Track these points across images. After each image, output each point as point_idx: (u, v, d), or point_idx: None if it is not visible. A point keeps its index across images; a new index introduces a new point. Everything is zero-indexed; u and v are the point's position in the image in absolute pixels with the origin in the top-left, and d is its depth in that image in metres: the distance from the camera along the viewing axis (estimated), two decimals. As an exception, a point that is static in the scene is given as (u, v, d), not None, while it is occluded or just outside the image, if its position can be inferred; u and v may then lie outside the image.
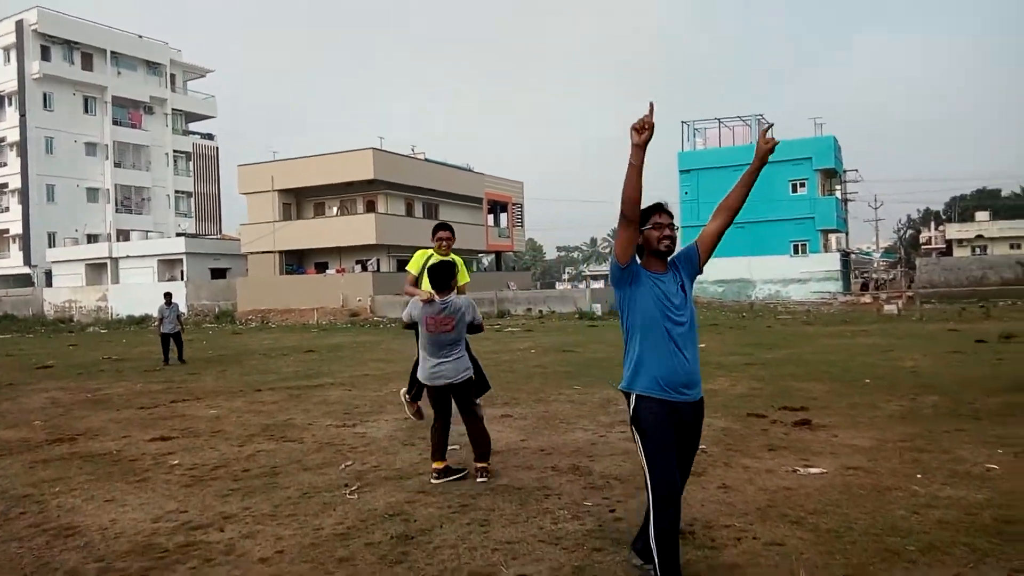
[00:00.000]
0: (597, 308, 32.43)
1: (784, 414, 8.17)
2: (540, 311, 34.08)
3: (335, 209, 42.79)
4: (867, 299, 41.43)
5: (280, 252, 41.64)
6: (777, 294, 44.19)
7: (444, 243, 6.94)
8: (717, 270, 45.90)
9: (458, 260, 6.24)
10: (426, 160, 44.49)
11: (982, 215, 66.25)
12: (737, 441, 6.87)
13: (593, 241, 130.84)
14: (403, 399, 7.64)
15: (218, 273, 48.38)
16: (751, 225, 45.20)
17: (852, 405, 8.63)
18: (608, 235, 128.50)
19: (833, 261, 44.75)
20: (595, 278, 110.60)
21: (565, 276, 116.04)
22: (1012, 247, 61.00)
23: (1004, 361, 12.15)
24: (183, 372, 14.98)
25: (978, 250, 62.09)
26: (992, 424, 7.26)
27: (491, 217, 49.46)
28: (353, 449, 7.11)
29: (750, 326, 24.40)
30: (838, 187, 48.83)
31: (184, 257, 46.76)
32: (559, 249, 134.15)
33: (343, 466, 6.40)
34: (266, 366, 15.78)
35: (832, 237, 47.42)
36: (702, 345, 17.63)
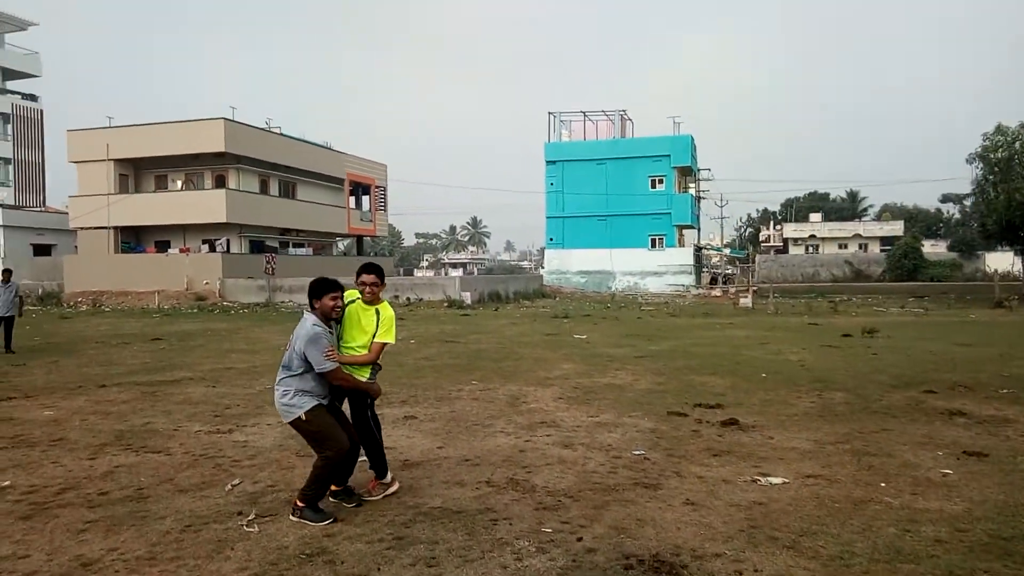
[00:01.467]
0: (467, 297, 31.72)
1: (704, 412, 7.82)
2: (408, 299, 32.92)
3: (179, 183, 39.26)
4: (717, 292, 43.57)
5: (115, 228, 37.66)
6: (635, 286, 45.49)
7: (368, 290, 4.90)
8: (581, 261, 46.65)
9: (385, 311, 4.86)
10: (283, 135, 41.84)
11: (815, 216, 71.85)
12: (674, 445, 6.37)
13: (452, 229, 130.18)
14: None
15: (42, 250, 43.24)
16: (612, 218, 46.27)
17: (765, 402, 8.43)
18: (467, 224, 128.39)
19: (687, 256, 46.66)
20: (454, 266, 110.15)
21: (424, 263, 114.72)
22: (840, 247, 66.62)
23: (879, 356, 12.62)
24: (4, 363, 12.75)
25: (811, 248, 67.27)
26: (911, 423, 7.21)
27: (352, 200, 47.45)
28: (236, 463, 5.95)
29: (621, 316, 24.62)
30: (692, 185, 50.98)
31: (1, 231, 41.36)
32: (418, 236, 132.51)
33: (230, 486, 5.26)
34: (107, 356, 13.78)
35: (686, 233, 49.45)
36: (583, 336, 17.46)
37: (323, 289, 4.67)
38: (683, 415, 7.67)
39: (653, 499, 4.87)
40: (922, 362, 11.76)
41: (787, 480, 5.26)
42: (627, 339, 16.38)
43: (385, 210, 51.10)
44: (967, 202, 63.71)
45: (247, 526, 4.42)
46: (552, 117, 48.54)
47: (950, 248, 63.33)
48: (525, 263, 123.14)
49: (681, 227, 48.37)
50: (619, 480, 5.30)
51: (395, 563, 3.85)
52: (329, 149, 45.08)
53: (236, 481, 5.36)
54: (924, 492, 4.95)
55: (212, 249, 37.39)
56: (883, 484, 5.15)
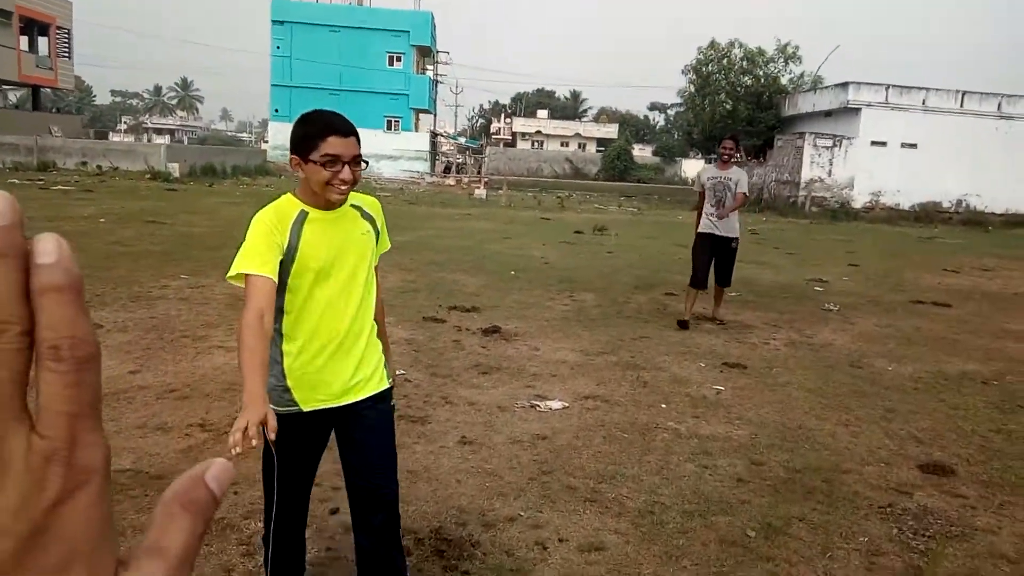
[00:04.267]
0: (174, 168, 27.75)
1: (461, 317, 7.06)
2: (99, 166, 28.01)
3: None
4: (451, 181, 43.45)
5: None
6: (369, 169, 43.61)
7: (340, 179, 2.10)
8: (309, 138, 43.43)
9: (375, 207, 2.41)
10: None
11: (542, 113, 74.35)
12: (437, 360, 5.50)
13: (158, 89, 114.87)
14: None
15: None
16: (346, 94, 43.40)
17: (521, 304, 7.91)
18: (175, 84, 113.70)
19: (423, 141, 45.62)
20: (159, 132, 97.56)
21: (122, 127, 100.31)
22: (562, 144, 69.98)
23: (614, 255, 12.88)
24: None
25: (537, 144, 69.86)
26: (664, 329, 7.11)
27: (25, 40, 38.76)
28: None
29: (355, 202, 23.15)
30: (430, 67, 49.39)
31: None
32: (114, 94, 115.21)
33: None
34: None
35: (423, 117, 48.19)
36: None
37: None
38: (440, 321, 6.84)
39: (423, 438, 3.96)
40: (654, 261, 12.17)
41: (567, 404, 4.65)
42: (364, 227, 15.16)
43: (70, 57, 42.72)
44: (671, 111, 69.92)
45: None
46: (281, -30, 43.33)
47: (655, 153, 69.72)
48: (244, 135, 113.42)
49: (418, 111, 46.93)
50: (377, 413, 4.30)
51: None
52: (-11, -30, 35.96)
53: None
54: (705, 415, 4.63)
55: None
56: (663, 405, 4.76)
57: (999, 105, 28.52)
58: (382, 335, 2.41)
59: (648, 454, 3.93)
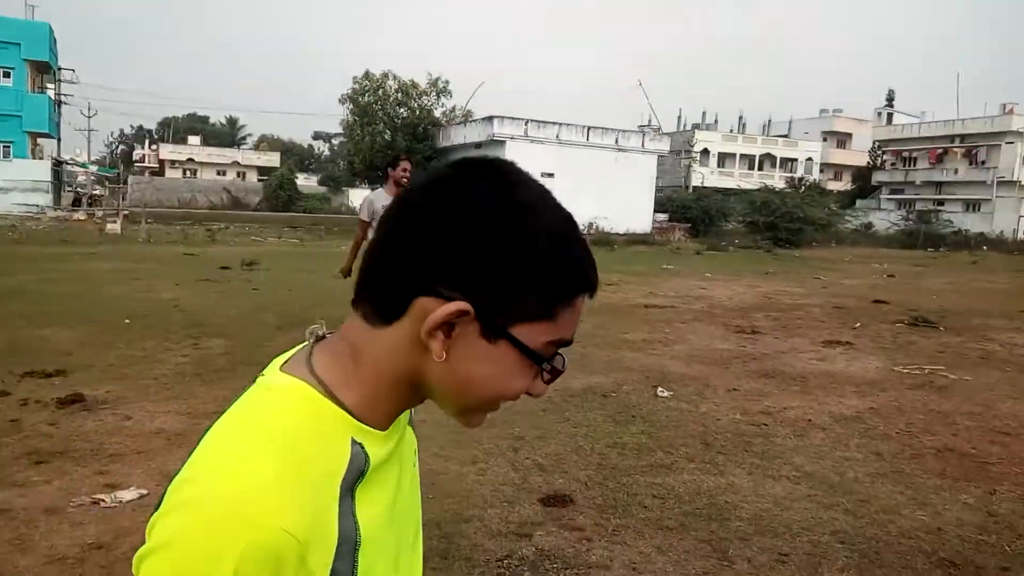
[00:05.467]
0: None
1: (36, 385, 5.64)
2: None
3: None
4: (81, 216, 37.90)
5: None
6: (-31, 203, 36.17)
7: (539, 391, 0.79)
8: None
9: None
10: None
11: (194, 139, 68.98)
12: (-30, 453, 4.15)
13: None
14: None
15: None
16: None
17: (125, 360, 6.64)
18: None
19: (43, 170, 39.19)
20: None
21: None
22: (219, 173, 65.57)
23: (260, 292, 11.88)
24: None
25: (189, 173, 64.55)
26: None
27: None
28: None
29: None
30: (51, 85, 42.78)
31: None
32: None
33: None
34: None
35: (42, 143, 41.46)
36: None
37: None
38: (4, 394, 5.35)
39: None
40: (305, 296, 11.44)
41: (145, 492, 3.72)
42: (-63, 275, 12.12)
43: None
44: (335, 141, 69.67)
45: None
46: None
47: (320, 182, 68.70)
48: None
49: (35, 135, 40.27)
50: None
51: None
52: None
53: None
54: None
55: None
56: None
57: (616, 139, 32.88)
58: None
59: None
